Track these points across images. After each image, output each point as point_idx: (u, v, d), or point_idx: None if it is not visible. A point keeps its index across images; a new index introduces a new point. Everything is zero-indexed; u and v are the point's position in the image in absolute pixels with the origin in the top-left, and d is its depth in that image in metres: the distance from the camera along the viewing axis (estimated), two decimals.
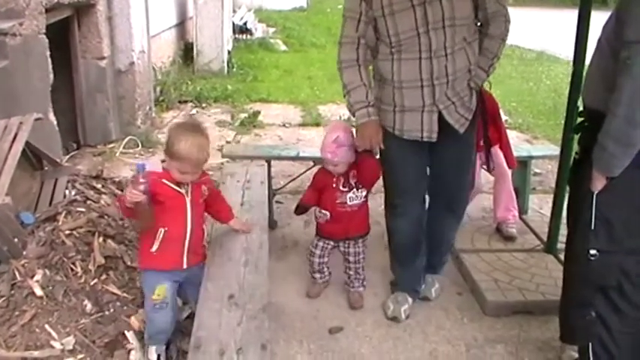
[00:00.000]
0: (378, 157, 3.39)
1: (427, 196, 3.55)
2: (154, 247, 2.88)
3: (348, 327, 3.44)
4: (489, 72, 3.24)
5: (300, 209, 3.61)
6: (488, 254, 4.11)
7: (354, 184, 3.44)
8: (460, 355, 3.26)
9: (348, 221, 3.50)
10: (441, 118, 3.17)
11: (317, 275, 3.70)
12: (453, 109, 3.17)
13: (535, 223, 4.62)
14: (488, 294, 3.63)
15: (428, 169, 3.44)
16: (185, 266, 2.94)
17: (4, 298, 3.27)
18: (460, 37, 3.06)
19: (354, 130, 3.36)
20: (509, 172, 4.39)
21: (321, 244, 3.61)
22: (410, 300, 3.62)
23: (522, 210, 4.72)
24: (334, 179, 3.44)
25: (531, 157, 4.87)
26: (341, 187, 3.45)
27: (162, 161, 2.84)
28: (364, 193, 3.51)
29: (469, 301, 3.62)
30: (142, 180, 2.64)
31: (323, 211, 3.51)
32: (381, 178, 3.48)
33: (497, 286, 3.72)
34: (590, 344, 2.78)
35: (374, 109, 3.20)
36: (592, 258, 2.64)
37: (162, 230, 2.87)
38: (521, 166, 4.69)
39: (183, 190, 2.88)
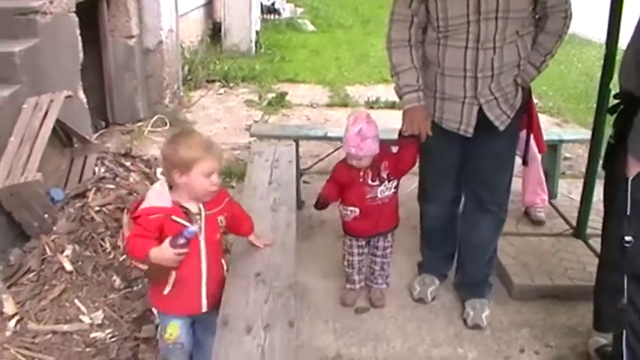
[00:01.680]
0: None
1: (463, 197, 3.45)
2: (166, 290, 2.50)
3: (373, 307, 3.45)
4: (540, 69, 3.06)
5: (321, 204, 3.28)
6: (516, 238, 4.07)
7: (385, 177, 3.23)
8: (485, 337, 3.25)
9: (378, 215, 3.30)
10: (482, 112, 3.03)
11: (356, 277, 3.48)
12: (494, 104, 3.02)
13: (564, 208, 4.57)
14: (515, 277, 3.60)
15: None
16: (205, 309, 2.56)
17: (34, 273, 3.34)
18: (512, 29, 2.89)
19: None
20: (538, 156, 4.34)
21: (355, 243, 3.42)
22: (437, 282, 3.60)
23: (552, 194, 4.67)
24: (360, 173, 3.21)
25: (562, 141, 4.81)
26: (370, 182, 3.22)
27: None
28: (395, 184, 3.30)
29: (496, 284, 3.59)
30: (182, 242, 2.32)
31: (350, 208, 3.29)
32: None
33: (524, 269, 3.70)
34: (624, 332, 2.76)
35: (423, 94, 3.07)
36: (627, 245, 2.58)
37: (173, 273, 2.46)
38: (552, 150, 4.63)
39: (195, 227, 2.40)
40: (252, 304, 2.44)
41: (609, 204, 2.76)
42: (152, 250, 2.31)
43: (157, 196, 2.43)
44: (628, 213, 2.57)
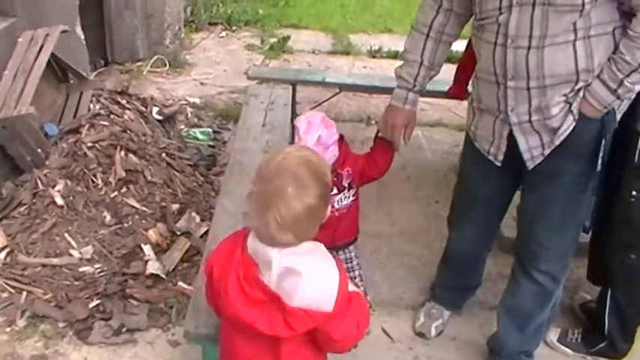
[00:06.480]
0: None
1: None
2: None
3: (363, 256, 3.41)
4: (619, 93, 2.10)
5: None
6: None
7: (346, 186, 2.62)
8: None
9: (335, 227, 2.67)
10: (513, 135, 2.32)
11: None
12: (528, 129, 2.25)
13: None
14: (506, 230, 3.58)
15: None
16: None
17: (25, 206, 3.35)
18: (565, 23, 2.04)
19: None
20: None
21: None
22: (446, 314, 3.10)
23: None
24: None
25: None
26: None
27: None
28: (354, 191, 2.69)
29: None
30: None
31: None
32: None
33: (515, 223, 3.68)
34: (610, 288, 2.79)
35: (415, 97, 2.54)
36: (632, 199, 2.55)
37: None
38: None
39: None
40: None
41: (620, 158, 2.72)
42: None
43: (332, 260, 1.79)
44: (637, 167, 2.53)
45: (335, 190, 2.55)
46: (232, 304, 1.70)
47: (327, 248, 1.91)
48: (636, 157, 2.49)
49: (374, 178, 2.67)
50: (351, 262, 2.85)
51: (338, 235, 2.70)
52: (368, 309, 1.86)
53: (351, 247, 2.84)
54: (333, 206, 2.51)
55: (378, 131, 2.68)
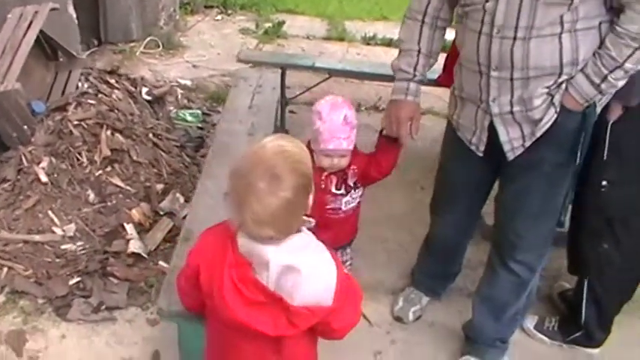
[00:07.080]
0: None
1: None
2: None
3: None
4: (602, 88, 2.11)
5: None
6: None
7: (352, 185, 2.55)
8: None
9: (339, 229, 2.62)
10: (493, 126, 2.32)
11: None
12: (509, 120, 2.25)
13: None
14: (487, 217, 3.58)
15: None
16: None
17: (9, 183, 3.36)
18: (553, 15, 2.03)
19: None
20: None
21: None
22: (424, 300, 3.12)
23: None
24: (322, 178, 2.47)
25: None
26: (333, 190, 2.52)
27: None
28: (360, 192, 2.63)
29: None
30: None
31: (306, 218, 2.46)
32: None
33: None
34: (587, 277, 2.80)
35: (417, 87, 2.49)
36: (602, 189, 2.59)
37: None
38: None
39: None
40: None
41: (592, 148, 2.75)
42: None
43: (326, 251, 1.76)
44: (605, 158, 2.56)
45: (342, 191, 2.53)
46: (230, 308, 1.66)
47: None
48: (606, 148, 2.52)
49: (376, 178, 2.58)
50: (345, 263, 2.77)
51: (341, 237, 2.68)
52: (361, 292, 1.84)
53: (348, 250, 2.83)
54: (340, 208, 2.56)
55: (381, 130, 2.58)
